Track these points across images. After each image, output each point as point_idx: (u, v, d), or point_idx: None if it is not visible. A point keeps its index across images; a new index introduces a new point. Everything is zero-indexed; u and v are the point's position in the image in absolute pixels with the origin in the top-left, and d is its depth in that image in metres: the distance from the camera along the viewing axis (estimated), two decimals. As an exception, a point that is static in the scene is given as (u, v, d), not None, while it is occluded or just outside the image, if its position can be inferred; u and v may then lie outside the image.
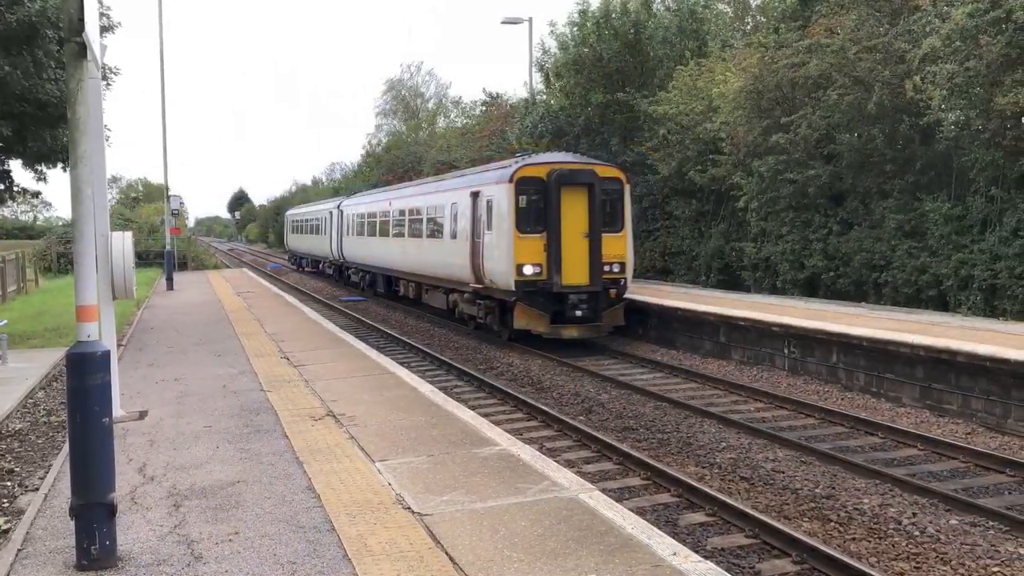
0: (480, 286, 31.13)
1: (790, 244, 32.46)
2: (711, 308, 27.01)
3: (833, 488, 14.03)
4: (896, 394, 20.47)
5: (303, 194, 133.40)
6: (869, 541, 11.79)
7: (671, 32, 43.46)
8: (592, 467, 15.51)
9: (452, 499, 10.25)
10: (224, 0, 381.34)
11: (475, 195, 31.47)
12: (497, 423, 16.60)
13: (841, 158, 30.26)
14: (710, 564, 8.48)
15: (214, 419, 14.90)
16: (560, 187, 28.86)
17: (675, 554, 8.56)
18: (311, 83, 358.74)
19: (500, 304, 30.55)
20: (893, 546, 11.57)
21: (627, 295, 29.52)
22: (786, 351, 24.07)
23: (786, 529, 11.72)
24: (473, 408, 18.15)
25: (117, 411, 14.32)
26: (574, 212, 29.16)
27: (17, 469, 13.77)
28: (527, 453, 12.20)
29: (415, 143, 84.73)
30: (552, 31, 68.18)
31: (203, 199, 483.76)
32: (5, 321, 26.05)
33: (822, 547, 11.09)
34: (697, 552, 9.93)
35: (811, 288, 32.40)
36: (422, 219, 38.18)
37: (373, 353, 22.09)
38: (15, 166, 29.04)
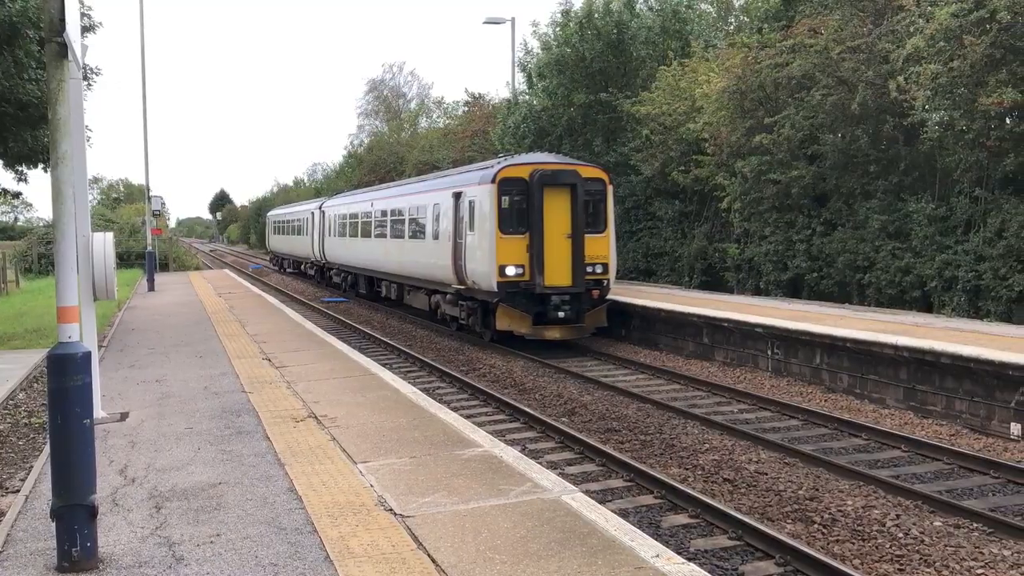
0: (462, 287, 31.09)
1: (773, 245, 32.47)
2: (694, 309, 27.01)
3: (817, 490, 14.01)
4: (880, 395, 20.50)
5: (285, 195, 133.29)
6: (853, 543, 11.78)
7: (654, 32, 43.42)
8: (575, 468, 15.48)
9: (434, 501, 10.20)
10: (206, 0, 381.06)
11: (457, 196, 31.40)
12: (479, 424, 16.58)
13: (825, 159, 30.30)
14: (693, 566, 8.44)
15: (195, 421, 14.82)
16: (543, 187, 28.83)
17: (658, 556, 8.53)
18: (293, 83, 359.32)
19: (482, 305, 30.49)
20: (877, 548, 11.56)
21: (610, 296, 29.49)
22: (769, 352, 24.08)
23: (769, 531, 11.70)
24: (455, 410, 18.09)
25: (98, 412, 14.24)
26: (557, 213, 29.12)
27: (-3, 471, 13.72)
28: (509, 455, 12.15)
29: (397, 143, 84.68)
30: (535, 31, 68.20)
31: (184, 200, 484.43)
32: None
33: (805, 549, 11.06)
34: (680, 554, 9.89)
35: (794, 289, 32.43)
36: (404, 220, 38.11)
37: (355, 354, 22.02)
38: (-5, 167, 28.93)
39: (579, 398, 21.46)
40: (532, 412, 19.30)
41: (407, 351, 28.77)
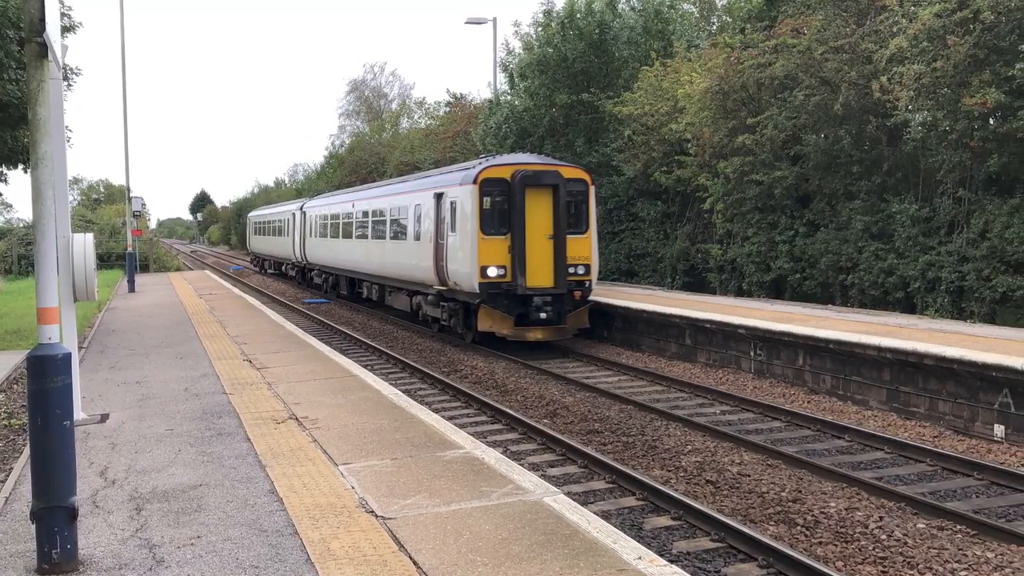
0: (444, 288, 31.04)
1: (756, 246, 32.49)
2: (676, 310, 26.98)
3: (799, 492, 14.01)
4: (863, 397, 20.49)
5: (266, 195, 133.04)
6: (835, 545, 11.76)
7: (636, 32, 43.42)
8: (557, 470, 15.45)
9: (416, 503, 10.15)
10: (186, 1, 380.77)
11: (439, 196, 31.36)
12: (461, 426, 16.57)
13: (807, 159, 30.35)
14: (675, 568, 8.41)
15: (176, 422, 14.76)
16: (524, 188, 28.80)
17: (640, 558, 8.49)
18: (274, 84, 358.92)
19: (464, 306, 30.46)
20: (860, 550, 11.54)
21: (592, 297, 29.45)
22: (752, 353, 24.07)
23: (752, 533, 11.68)
24: (437, 411, 18.14)
25: (78, 414, 14.19)
26: (538, 214, 29.13)
27: (-24, 473, 13.64)
28: (491, 456, 12.11)
29: (378, 144, 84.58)
30: (516, 31, 68.04)
31: (165, 200, 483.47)
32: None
33: (788, 551, 11.04)
34: (662, 556, 9.88)
35: (777, 290, 32.49)
36: (385, 221, 38.05)
37: (336, 356, 21.96)
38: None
39: (561, 399, 21.42)
40: (514, 414, 19.26)
41: (388, 352, 28.70)
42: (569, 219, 29.54)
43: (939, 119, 24.94)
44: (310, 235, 55.88)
